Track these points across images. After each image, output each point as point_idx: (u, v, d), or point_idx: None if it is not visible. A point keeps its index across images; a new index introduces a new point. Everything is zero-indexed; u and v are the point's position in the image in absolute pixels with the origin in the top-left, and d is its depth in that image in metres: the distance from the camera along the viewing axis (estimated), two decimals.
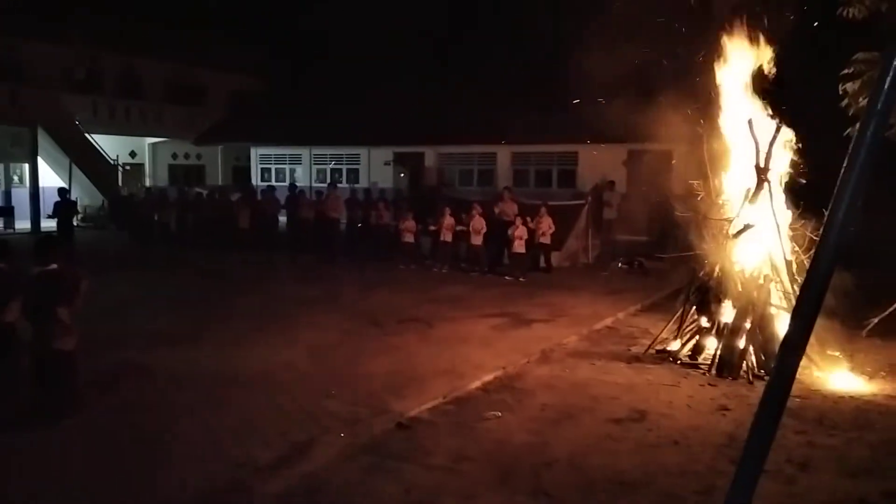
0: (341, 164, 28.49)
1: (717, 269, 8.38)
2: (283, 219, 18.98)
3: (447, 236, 15.11)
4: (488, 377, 7.40)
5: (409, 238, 15.70)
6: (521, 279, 13.88)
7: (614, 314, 10.74)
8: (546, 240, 14.73)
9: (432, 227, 15.26)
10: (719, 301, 8.21)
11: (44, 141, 23.93)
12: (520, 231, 14.18)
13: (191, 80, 31.96)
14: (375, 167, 27.21)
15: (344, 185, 25.52)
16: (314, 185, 26.46)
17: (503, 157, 24.67)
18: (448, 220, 15.02)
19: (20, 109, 23.06)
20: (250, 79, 33.35)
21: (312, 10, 32.31)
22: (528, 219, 14.39)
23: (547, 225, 14.64)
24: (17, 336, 6.44)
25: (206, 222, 18.76)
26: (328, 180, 25.19)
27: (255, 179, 29.58)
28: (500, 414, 6.34)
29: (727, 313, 8.13)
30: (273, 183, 26.43)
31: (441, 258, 15.23)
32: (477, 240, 14.77)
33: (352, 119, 26.40)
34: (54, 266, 6.17)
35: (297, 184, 23.13)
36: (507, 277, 14.10)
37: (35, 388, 6.11)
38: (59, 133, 24.21)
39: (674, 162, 17.62)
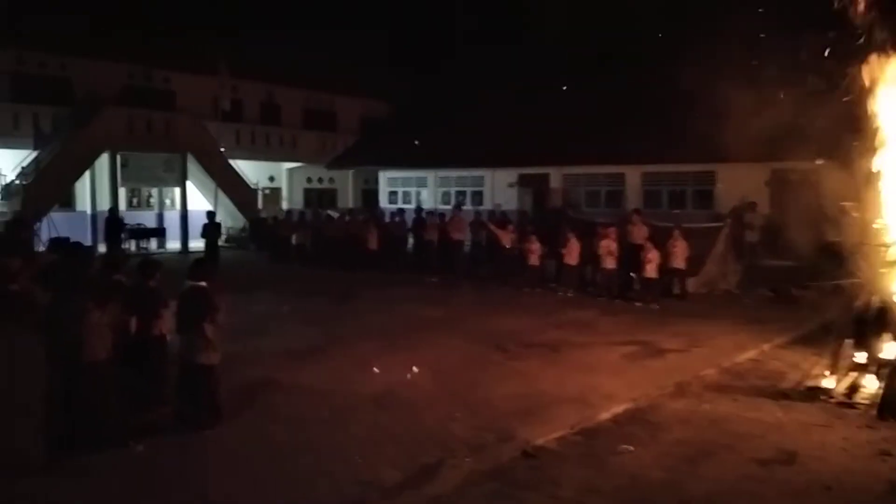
0: (465, 186, 28.79)
1: (875, 299, 7.64)
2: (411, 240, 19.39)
3: (573, 259, 14.78)
4: (619, 408, 7.08)
5: (534, 261, 15.50)
6: (652, 305, 13.29)
7: (759, 346, 9.96)
8: (680, 264, 14.05)
9: (563, 251, 14.90)
10: (879, 335, 7.48)
11: (192, 167, 25.85)
12: (652, 255, 13.63)
13: (324, 106, 33.66)
14: (499, 189, 27.24)
15: (468, 207, 25.71)
16: (439, 206, 26.86)
17: (632, 178, 23.92)
18: (574, 243, 14.69)
19: (173, 138, 25.02)
20: (379, 103, 34.60)
21: (438, 35, 33.16)
22: (663, 242, 13.79)
23: (681, 249, 13.99)
24: (167, 347, 6.91)
25: (337, 244, 19.48)
26: (452, 202, 25.47)
27: (384, 202, 30.44)
28: (632, 448, 6.03)
29: (888, 349, 7.37)
30: (401, 205, 27.08)
31: (567, 282, 14.91)
32: (609, 263, 14.32)
33: (475, 141, 26.61)
34: (202, 283, 6.55)
35: (423, 206, 23.55)
36: (637, 304, 13.53)
37: (180, 398, 6.50)
38: (206, 159, 26.00)
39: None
